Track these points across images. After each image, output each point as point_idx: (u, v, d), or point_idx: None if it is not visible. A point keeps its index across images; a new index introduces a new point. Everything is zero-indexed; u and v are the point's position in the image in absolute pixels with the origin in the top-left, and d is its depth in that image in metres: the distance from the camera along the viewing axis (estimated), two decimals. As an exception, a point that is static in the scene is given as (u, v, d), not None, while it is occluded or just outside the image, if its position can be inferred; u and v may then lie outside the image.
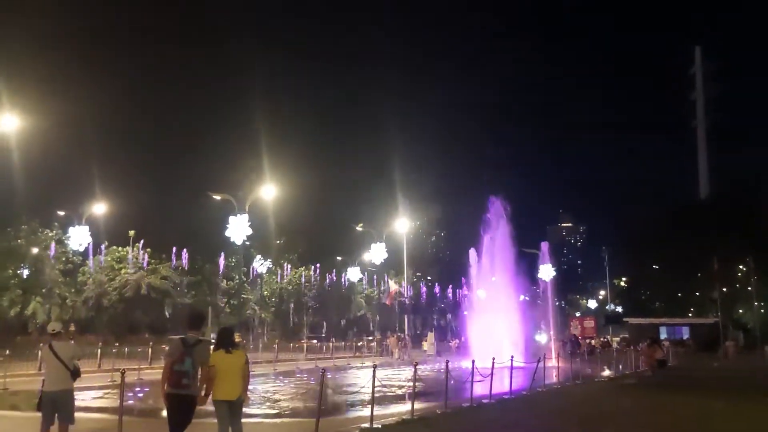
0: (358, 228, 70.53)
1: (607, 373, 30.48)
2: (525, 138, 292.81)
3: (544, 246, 54.87)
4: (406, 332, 58.98)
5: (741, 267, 66.34)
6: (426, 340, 58.44)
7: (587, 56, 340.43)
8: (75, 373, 10.53)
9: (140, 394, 19.49)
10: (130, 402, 13.29)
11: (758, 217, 60.74)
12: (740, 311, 69.55)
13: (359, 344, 55.67)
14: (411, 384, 15.37)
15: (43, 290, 50.94)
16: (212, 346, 9.55)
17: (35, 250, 51.80)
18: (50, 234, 52.92)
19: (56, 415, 10.22)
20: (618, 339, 68.24)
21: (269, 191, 48.30)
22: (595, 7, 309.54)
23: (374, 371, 14.28)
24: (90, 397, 18.85)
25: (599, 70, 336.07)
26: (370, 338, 63.43)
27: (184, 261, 60.66)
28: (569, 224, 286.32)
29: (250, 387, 10.14)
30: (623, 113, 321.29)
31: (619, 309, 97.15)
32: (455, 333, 72.97)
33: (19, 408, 15.71)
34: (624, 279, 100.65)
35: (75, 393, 10.91)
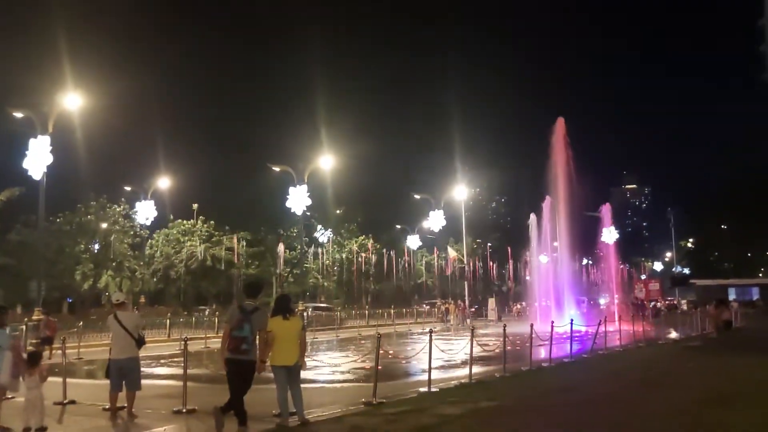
0: (417, 196, 70.31)
1: (671, 335, 29.90)
2: (587, 99, 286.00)
3: (606, 208, 53.55)
4: (466, 298, 58.89)
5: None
6: (488, 306, 58.38)
7: (656, 14, 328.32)
8: (140, 342, 10.98)
9: (206, 362, 20.16)
10: (196, 369, 13.74)
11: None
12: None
13: (420, 311, 56.00)
14: (470, 349, 15.37)
15: (114, 263, 52.83)
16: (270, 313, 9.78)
17: (104, 225, 53.65)
18: (118, 209, 54.69)
19: (124, 381, 10.71)
20: (685, 301, 66.63)
21: (327, 162, 48.55)
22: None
23: (431, 336, 14.39)
24: (159, 365, 19.62)
25: (667, 27, 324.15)
26: (431, 305, 63.65)
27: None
28: (633, 186, 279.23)
29: (310, 353, 10.36)
30: (691, 71, 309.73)
31: (687, 271, 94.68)
32: (517, 298, 72.52)
33: (93, 376, 16.48)
34: (691, 240, 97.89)
35: (144, 362, 11.37)
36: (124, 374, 10.68)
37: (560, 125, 46.28)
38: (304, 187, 43.16)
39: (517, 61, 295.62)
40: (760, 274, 71.63)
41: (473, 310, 55.72)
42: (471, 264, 74.59)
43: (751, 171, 70.58)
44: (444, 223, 64.03)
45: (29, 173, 27.14)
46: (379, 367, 12.37)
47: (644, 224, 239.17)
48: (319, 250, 73.21)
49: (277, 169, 49.03)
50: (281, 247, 63.61)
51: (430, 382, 13.23)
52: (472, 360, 15.33)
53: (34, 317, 23.65)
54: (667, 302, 64.37)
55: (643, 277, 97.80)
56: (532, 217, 49.63)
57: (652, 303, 57.96)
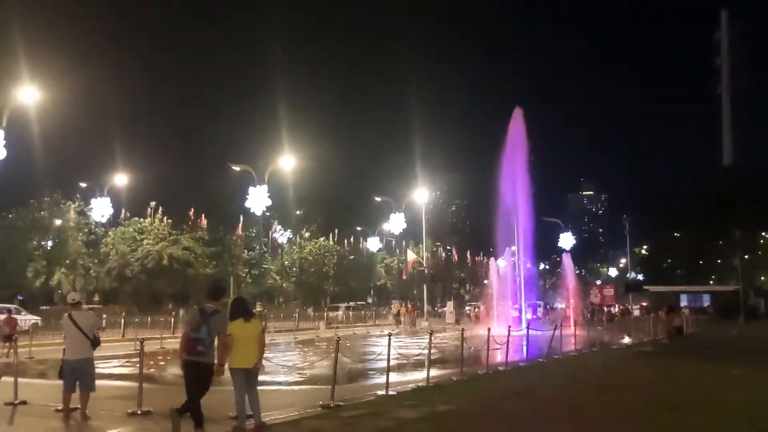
0: (378, 198, 70.55)
1: (624, 340, 30.50)
2: (545, 107, 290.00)
3: (563, 215, 54.43)
4: (425, 301, 59.19)
5: (763, 234, 65.61)
6: (445, 309, 58.74)
7: (612, 22, 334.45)
8: (95, 342, 10.79)
9: (161, 363, 19.90)
10: (152, 370, 13.57)
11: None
12: (762, 278, 68.97)
13: (380, 313, 56.12)
14: (428, 352, 15.50)
15: (67, 261, 51.74)
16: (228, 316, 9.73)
17: (58, 222, 52.50)
18: (72, 205, 53.57)
19: (77, 382, 10.52)
20: (637, 306, 68.00)
21: (288, 162, 48.40)
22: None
23: (389, 340, 14.46)
24: (113, 365, 19.29)
25: (623, 37, 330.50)
26: (391, 307, 63.88)
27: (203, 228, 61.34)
28: (590, 192, 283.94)
29: (269, 355, 10.33)
30: (647, 81, 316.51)
31: (640, 277, 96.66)
32: (475, 301, 73.16)
33: (45, 376, 16.14)
34: (645, 247, 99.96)
35: (98, 362, 11.19)
36: (78, 375, 10.49)
37: (517, 115, 46.63)
38: (265, 188, 43.01)
39: (478, 67, 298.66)
40: (711, 282, 73.44)
41: (424, 311, 55.78)
42: (430, 267, 75.00)
43: (703, 181, 72.59)
44: (404, 225, 64.40)
45: (-19, 167, 26.46)
46: (337, 370, 12.38)
47: (600, 230, 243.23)
48: (278, 250, 72.85)
49: (237, 168, 48.76)
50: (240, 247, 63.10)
51: (387, 385, 13.28)
52: (430, 363, 15.43)
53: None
54: (620, 308, 65.61)
55: (599, 282, 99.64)
56: (491, 221, 50.09)
57: (607, 308, 59.01)
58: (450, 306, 57.93)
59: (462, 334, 17.06)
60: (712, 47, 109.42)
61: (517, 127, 46.45)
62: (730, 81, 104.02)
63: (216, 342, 9.37)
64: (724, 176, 74.26)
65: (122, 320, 32.57)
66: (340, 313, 54.46)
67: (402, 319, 48.10)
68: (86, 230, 54.64)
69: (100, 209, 52.64)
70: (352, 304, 63.66)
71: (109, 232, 58.15)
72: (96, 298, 50.98)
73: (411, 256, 66.68)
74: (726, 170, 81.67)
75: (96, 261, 55.14)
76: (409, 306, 51.21)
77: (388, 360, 13.84)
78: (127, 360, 20.18)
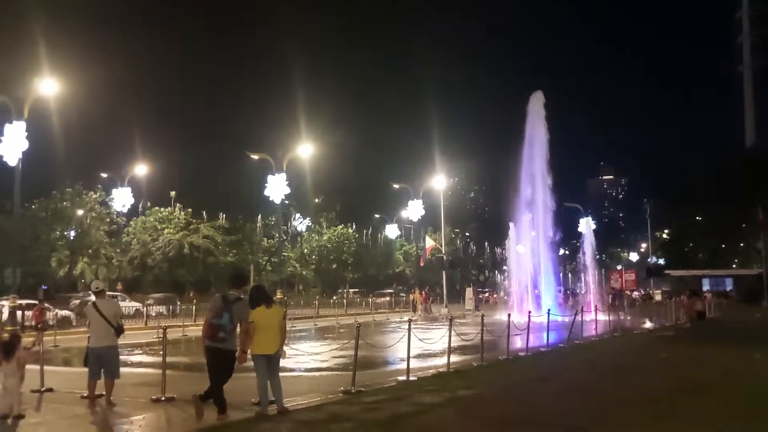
0: (396, 185, 70.40)
1: (646, 325, 30.35)
2: (563, 91, 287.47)
3: (584, 200, 54.01)
4: (444, 288, 59.10)
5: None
6: (465, 296, 58.65)
7: (630, 4, 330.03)
8: (119, 330, 10.95)
9: (184, 350, 20.12)
10: (174, 357, 13.76)
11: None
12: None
13: (399, 300, 56.19)
14: (448, 338, 15.53)
15: (90, 251, 52.33)
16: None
17: (80, 212, 53.08)
18: (94, 196, 54.11)
19: (102, 370, 10.69)
20: (660, 292, 67.52)
21: (306, 150, 48.37)
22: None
23: (409, 325, 14.51)
24: (136, 353, 19.54)
25: (641, 18, 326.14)
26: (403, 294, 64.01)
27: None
28: (610, 177, 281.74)
29: (290, 341, 10.41)
30: (666, 63, 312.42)
31: (662, 261, 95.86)
32: (495, 288, 73.03)
33: (71, 363, 16.39)
34: (666, 231, 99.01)
35: (122, 349, 11.36)
36: (102, 362, 10.66)
37: (537, 98, 46.18)
38: (283, 176, 43.01)
39: (496, 53, 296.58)
40: (734, 266, 72.66)
41: (444, 297, 55.63)
42: (448, 253, 74.94)
43: (725, 162, 71.43)
44: (423, 212, 64.22)
45: (4, 159, 26.74)
46: (358, 357, 12.45)
47: (621, 215, 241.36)
48: (297, 238, 73.16)
49: (255, 157, 48.81)
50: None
51: (408, 371, 13.35)
52: (450, 349, 15.47)
53: (10, 304, 23.42)
54: (642, 292, 65.23)
55: (619, 267, 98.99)
56: (511, 206, 49.80)
57: (628, 293, 58.61)
58: (469, 292, 57.83)
59: (482, 319, 17.06)
60: (733, 25, 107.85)
61: (535, 111, 46.05)
62: (751, 59, 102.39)
63: (238, 329, 9.52)
64: (746, 156, 73.12)
65: (145, 308, 32.93)
66: (387, 299, 55.11)
67: (417, 306, 48.10)
68: (108, 220, 55.21)
69: (122, 199, 53.07)
70: (390, 290, 64.47)
71: (131, 222, 58.74)
72: (119, 286, 51.57)
73: (429, 242, 66.51)
74: (748, 150, 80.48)
75: (118, 250, 55.72)
76: (423, 293, 51.04)
77: (409, 346, 13.88)
78: (150, 348, 20.44)
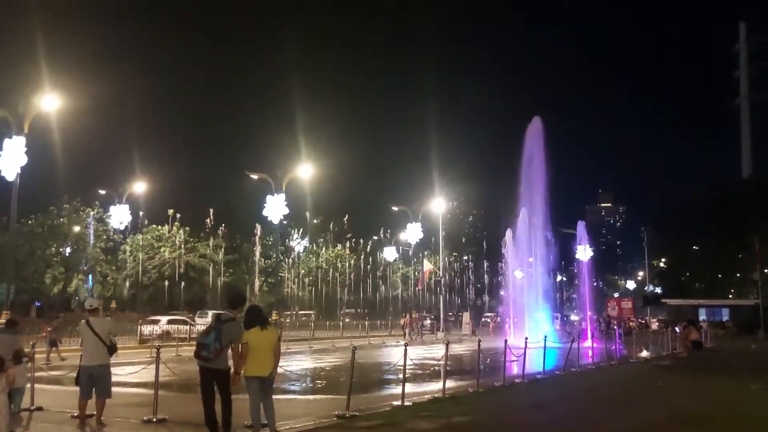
0: (395, 208, 70.47)
1: (642, 354, 30.16)
2: (562, 118, 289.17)
3: (581, 226, 54.04)
4: (441, 312, 58.89)
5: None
6: (462, 320, 58.40)
7: (627, 34, 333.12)
8: (111, 349, 10.83)
9: (177, 371, 19.89)
10: (167, 378, 13.60)
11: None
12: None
13: (396, 323, 55.89)
14: (444, 363, 15.41)
15: (85, 268, 52.12)
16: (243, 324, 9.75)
17: (77, 229, 52.93)
18: (91, 212, 54.00)
19: (94, 389, 10.54)
20: (656, 320, 67.30)
21: (306, 171, 48.47)
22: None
23: (405, 350, 14.39)
24: (128, 372, 19.32)
25: (642, 49, 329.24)
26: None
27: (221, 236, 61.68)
28: (608, 204, 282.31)
29: (284, 363, 10.31)
30: (665, 94, 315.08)
31: (659, 290, 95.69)
32: (492, 313, 72.75)
33: (61, 382, 16.19)
34: (663, 260, 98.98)
35: (114, 368, 11.22)
36: (94, 381, 10.52)
37: (536, 124, 46.49)
38: (282, 196, 43.07)
39: (495, 78, 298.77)
40: (730, 296, 72.50)
41: (429, 322, 55.11)
42: (446, 277, 74.79)
43: (722, 193, 71.67)
44: (421, 235, 64.22)
45: (2, 174, 26.72)
46: (353, 380, 12.33)
47: (618, 243, 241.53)
48: (295, 259, 72.95)
49: (255, 176, 48.89)
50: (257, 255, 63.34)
51: (403, 395, 13.21)
52: (446, 374, 15.33)
53: (1, 320, 23.25)
54: (639, 321, 64.98)
55: (616, 295, 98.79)
56: (508, 232, 49.85)
57: (624, 321, 58.35)
58: (466, 317, 57.57)
59: (479, 345, 16.95)
60: (731, 59, 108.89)
61: (534, 137, 46.34)
62: (748, 92, 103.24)
63: (231, 350, 9.46)
64: (743, 188, 73.39)
65: (138, 327, 32.70)
66: (355, 322, 54.23)
67: (405, 330, 47.59)
68: (104, 237, 55.06)
69: (119, 216, 52.99)
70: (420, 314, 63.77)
71: (127, 240, 58.58)
72: (113, 304, 51.29)
73: (427, 266, 66.41)
74: (745, 182, 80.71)
75: (114, 268, 55.50)
76: (410, 317, 50.55)
77: (404, 371, 13.77)
78: (142, 367, 20.21)
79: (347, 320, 54.03)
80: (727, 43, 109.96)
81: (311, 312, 59.62)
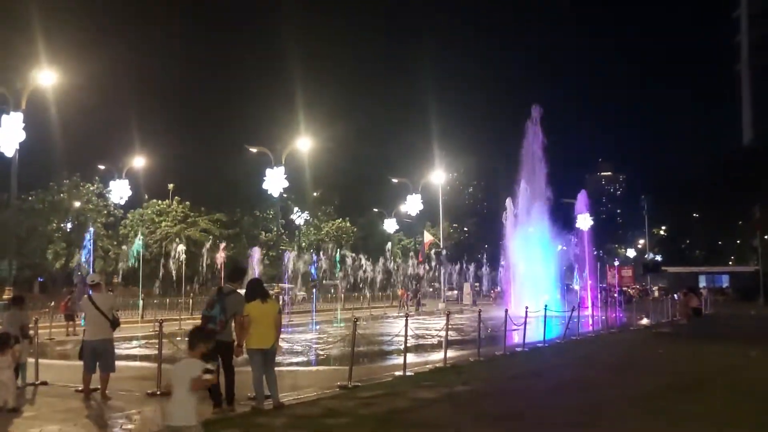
0: (394, 180, 70.37)
1: (643, 321, 30.35)
2: (563, 86, 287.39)
3: (581, 195, 54.03)
4: (442, 282, 59.13)
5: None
6: (463, 291, 58.59)
7: (625, 4, 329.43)
8: (114, 323, 10.93)
9: (181, 344, 20.06)
10: (171, 351, 13.70)
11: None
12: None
13: (396, 294, 56.06)
14: (445, 334, 15.52)
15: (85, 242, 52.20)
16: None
17: (77, 204, 52.95)
18: (92, 188, 53.95)
19: (97, 363, 10.65)
20: (656, 288, 67.64)
21: (305, 144, 48.35)
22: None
23: (406, 320, 14.49)
24: (132, 346, 19.50)
25: (639, 16, 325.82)
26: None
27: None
28: (608, 173, 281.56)
29: (286, 335, 10.38)
30: (665, 60, 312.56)
31: (659, 258, 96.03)
32: (493, 283, 73.02)
33: (66, 357, 16.35)
34: (663, 228, 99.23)
35: (118, 342, 11.32)
36: (98, 356, 10.62)
37: (535, 113, 47.16)
38: (282, 169, 43.00)
39: (494, 49, 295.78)
40: (730, 263, 72.77)
41: (442, 293, 55.00)
42: (446, 248, 74.91)
43: (721, 160, 71.56)
44: (421, 207, 64.23)
45: (1, 150, 26.65)
46: (355, 351, 12.43)
47: (618, 211, 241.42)
48: (296, 232, 73.04)
49: (254, 150, 48.79)
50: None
51: (405, 365, 13.32)
52: (447, 344, 15.45)
53: (5, 296, 23.38)
54: (638, 288, 65.28)
55: (617, 263, 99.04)
56: (508, 201, 49.85)
57: (627, 289, 58.54)
58: (467, 288, 57.77)
59: (479, 315, 17.06)
60: (731, 24, 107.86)
61: (533, 125, 47.36)
62: (749, 58, 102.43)
63: (234, 322, 9.52)
64: (744, 155, 73.20)
65: (140, 302, 32.87)
66: (356, 293, 54.22)
67: (401, 302, 47.57)
68: (105, 212, 55.07)
69: (119, 191, 52.95)
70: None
71: (128, 214, 58.61)
72: (115, 279, 51.48)
73: (427, 237, 66.49)
74: (745, 149, 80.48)
75: (115, 243, 55.61)
76: (402, 289, 50.46)
77: (405, 341, 13.87)
78: (146, 341, 20.42)
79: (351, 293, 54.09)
80: (727, 8, 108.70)
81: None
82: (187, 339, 6.06)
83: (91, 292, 11.02)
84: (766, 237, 61.99)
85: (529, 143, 47.24)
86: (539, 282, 44.97)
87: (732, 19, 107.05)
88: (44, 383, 11.98)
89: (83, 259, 40.29)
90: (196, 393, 5.66)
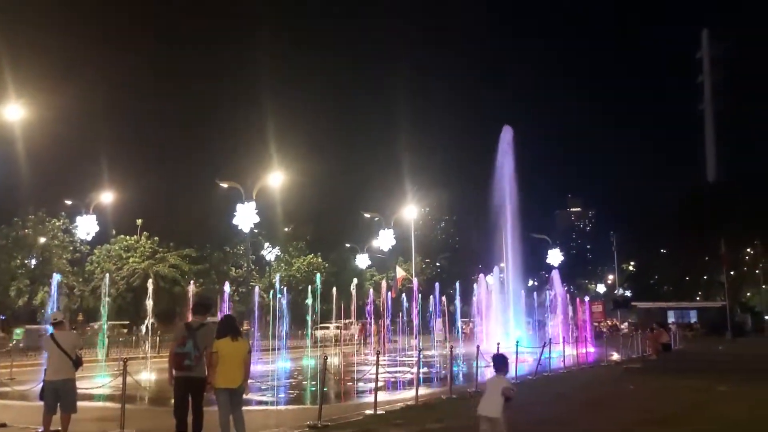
0: (367, 215, 70.41)
1: (613, 357, 30.42)
2: (532, 123, 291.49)
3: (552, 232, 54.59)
4: (414, 318, 58.67)
5: (748, 250, 65.98)
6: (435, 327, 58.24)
7: (594, 43, 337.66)
8: (77, 363, 10.60)
9: (145, 383, 19.58)
10: (135, 391, 13.37)
11: (763, 199, 60.27)
12: (748, 294, 69.26)
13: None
14: (419, 370, 15.35)
15: (51, 280, 51.19)
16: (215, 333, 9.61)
17: (42, 240, 51.95)
18: (57, 223, 53.03)
19: (59, 404, 10.30)
20: (626, 323, 68.12)
21: (277, 178, 48.21)
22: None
23: (377, 358, 14.31)
24: (95, 385, 18.95)
25: (606, 56, 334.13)
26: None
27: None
28: (578, 209, 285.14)
29: (255, 374, 10.16)
30: (632, 99, 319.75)
31: (628, 293, 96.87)
32: (465, 318, 72.89)
33: (27, 397, 15.81)
34: (632, 263, 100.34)
35: (79, 382, 10.97)
36: (59, 396, 10.27)
37: (507, 133, 47.29)
38: (253, 204, 42.79)
39: (466, 82, 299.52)
40: (698, 298, 73.65)
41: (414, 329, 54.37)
42: (419, 283, 74.78)
43: (688, 197, 72.90)
44: (393, 242, 64.19)
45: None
46: (325, 389, 12.22)
47: (588, 246, 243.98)
48: (266, 268, 72.34)
49: (225, 185, 48.49)
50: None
51: (376, 404, 13.11)
52: (419, 381, 15.28)
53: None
54: (609, 324, 65.67)
55: (587, 299, 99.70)
56: (480, 236, 50.18)
57: (598, 324, 58.82)
58: (438, 323, 57.49)
59: (451, 351, 16.93)
60: (695, 65, 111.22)
61: (505, 145, 47.07)
62: (712, 98, 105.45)
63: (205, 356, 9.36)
64: (708, 192, 74.80)
65: (106, 340, 32.10)
66: (329, 331, 53.56)
67: (372, 338, 46.62)
68: (71, 248, 54.08)
69: (86, 227, 52.04)
70: (340, 323, 62.76)
71: (95, 251, 57.61)
72: (80, 317, 50.37)
73: (400, 273, 66.37)
74: (710, 186, 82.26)
75: (81, 279, 54.54)
76: (361, 325, 49.33)
77: (376, 379, 13.69)
78: (109, 380, 19.86)
79: (323, 332, 53.46)
80: (692, 49, 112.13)
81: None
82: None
83: (53, 331, 10.72)
84: (732, 273, 63.03)
85: (498, 181, 47.28)
86: (511, 317, 45.05)
87: (696, 60, 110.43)
88: (3, 425, 11.56)
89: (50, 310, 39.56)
90: None
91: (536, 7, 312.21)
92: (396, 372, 20.65)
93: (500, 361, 8.64)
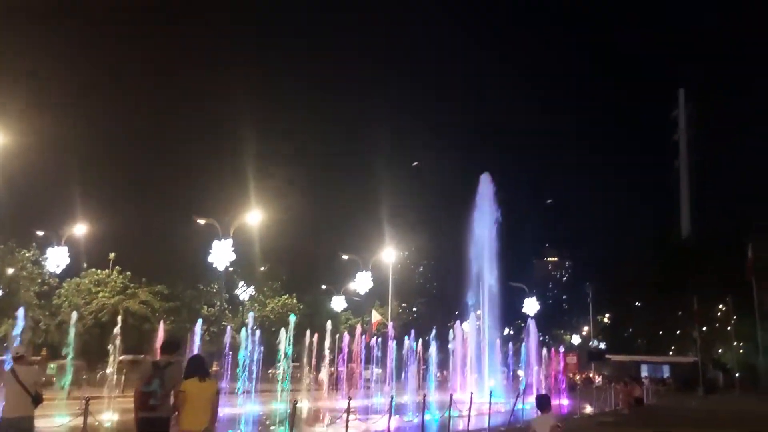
0: (345, 256, 70.04)
1: (587, 410, 30.17)
2: (510, 173, 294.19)
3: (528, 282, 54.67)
4: (388, 364, 57.96)
5: (720, 306, 66.48)
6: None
7: (569, 99, 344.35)
8: (36, 399, 10.21)
9: (107, 423, 18.99)
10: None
11: (736, 257, 61.00)
12: (719, 351, 69.53)
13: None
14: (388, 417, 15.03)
15: (16, 313, 49.97)
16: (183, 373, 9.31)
17: (10, 271, 50.87)
18: (27, 254, 52.02)
19: (14, 443, 9.87)
20: (600, 376, 67.91)
21: (254, 217, 47.95)
22: (577, 50, 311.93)
23: (348, 405, 13.99)
24: (55, 425, 18.30)
25: (586, 112, 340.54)
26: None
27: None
28: (555, 259, 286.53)
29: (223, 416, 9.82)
30: (611, 151, 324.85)
31: (603, 345, 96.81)
32: (441, 366, 72.15)
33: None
34: (607, 315, 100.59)
35: (39, 420, 10.57)
36: (15, 435, 9.85)
37: (485, 180, 47.59)
38: (229, 242, 42.44)
39: (445, 129, 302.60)
40: (671, 352, 73.79)
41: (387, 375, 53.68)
42: (395, 328, 74.19)
43: (661, 253, 73.57)
44: (371, 285, 63.82)
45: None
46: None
47: (564, 297, 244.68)
48: (240, 307, 71.32)
49: (202, 221, 48.10)
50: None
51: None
52: None
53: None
54: (582, 376, 65.43)
55: (562, 349, 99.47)
56: (455, 283, 50.03)
57: (572, 376, 58.56)
58: (412, 369, 56.77)
59: (424, 399, 16.63)
60: (670, 123, 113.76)
61: (484, 192, 47.36)
62: (687, 155, 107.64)
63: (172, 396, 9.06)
64: (682, 247, 75.63)
65: (68, 377, 31.26)
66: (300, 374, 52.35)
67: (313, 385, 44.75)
68: (39, 281, 52.97)
69: (56, 259, 51.06)
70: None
71: (64, 284, 56.49)
72: (44, 352, 49.01)
73: (376, 317, 65.82)
74: (683, 242, 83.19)
75: (47, 313, 53.31)
76: (316, 373, 47.59)
77: (347, 426, 13.35)
78: (70, 419, 19.19)
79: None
80: (669, 107, 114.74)
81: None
82: None
83: (12, 365, 10.33)
84: (704, 329, 63.31)
85: (477, 227, 47.46)
86: (485, 366, 44.70)
87: (671, 118, 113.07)
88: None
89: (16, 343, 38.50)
90: None
91: (516, 58, 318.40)
92: (368, 418, 20.19)
93: (544, 401, 9.38)
